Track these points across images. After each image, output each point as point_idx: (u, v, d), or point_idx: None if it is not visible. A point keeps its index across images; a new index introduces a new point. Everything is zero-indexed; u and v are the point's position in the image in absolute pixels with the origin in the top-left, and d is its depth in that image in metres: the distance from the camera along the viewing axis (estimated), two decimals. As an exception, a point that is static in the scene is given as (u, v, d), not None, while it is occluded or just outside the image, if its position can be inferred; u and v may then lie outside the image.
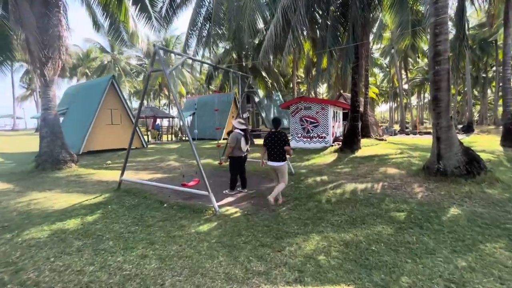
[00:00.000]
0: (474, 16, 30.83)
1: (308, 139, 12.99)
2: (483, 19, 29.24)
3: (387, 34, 29.11)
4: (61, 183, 5.97)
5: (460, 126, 26.55)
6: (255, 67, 22.12)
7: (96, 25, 10.74)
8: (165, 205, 4.61)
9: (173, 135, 21.97)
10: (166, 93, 39.83)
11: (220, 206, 4.55)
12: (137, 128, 13.69)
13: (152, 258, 2.74)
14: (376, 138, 15.63)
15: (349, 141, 10.03)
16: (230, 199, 5.12)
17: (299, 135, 13.21)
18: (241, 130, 5.43)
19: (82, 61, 40.14)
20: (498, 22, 25.49)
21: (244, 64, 22.15)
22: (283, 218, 3.95)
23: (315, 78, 23.37)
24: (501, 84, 16.11)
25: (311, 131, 12.89)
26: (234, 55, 20.11)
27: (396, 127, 34.68)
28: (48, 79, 6.74)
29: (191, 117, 21.83)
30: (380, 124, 37.95)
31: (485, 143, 13.17)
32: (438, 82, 5.17)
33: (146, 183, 5.30)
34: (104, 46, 37.80)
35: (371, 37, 30.45)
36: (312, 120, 12.83)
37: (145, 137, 19.46)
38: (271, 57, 17.73)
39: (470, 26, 28.99)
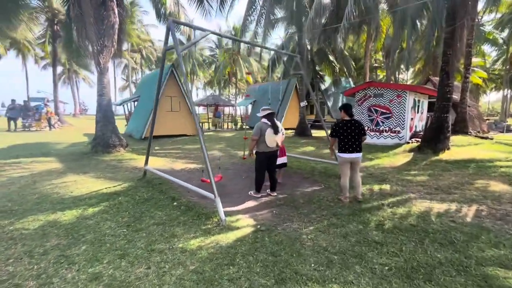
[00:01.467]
0: None
1: (377, 133, 10.75)
2: None
3: (507, -2, 21.86)
4: (100, 167, 6.26)
5: None
6: (322, 51, 20.02)
7: (159, 16, 11.14)
8: (175, 203, 4.07)
9: (232, 124, 22.26)
10: (234, 82, 40.99)
11: (233, 213, 3.72)
12: (195, 115, 14.13)
13: (101, 284, 2.13)
14: (476, 136, 11.89)
15: (432, 138, 7.62)
16: (251, 203, 4.23)
17: (366, 128, 11.06)
18: (267, 119, 4.39)
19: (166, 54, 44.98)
20: None
21: (308, 48, 20.34)
22: (302, 244, 2.83)
23: (396, 60, 19.75)
24: None
25: (381, 124, 10.61)
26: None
27: (511, 121, 26.56)
28: (102, 67, 7.18)
29: (251, 105, 21.54)
30: (486, 118, 29.84)
31: None
32: None
33: (163, 175, 4.90)
34: (182, 39, 41.31)
35: (480, 4, 23.48)
36: (384, 110, 10.50)
37: (206, 124, 20.29)
38: (339, 38, 15.56)
39: None
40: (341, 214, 3.68)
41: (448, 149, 7.64)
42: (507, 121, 26.27)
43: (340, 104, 26.55)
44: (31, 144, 10.10)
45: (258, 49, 26.34)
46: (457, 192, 4.38)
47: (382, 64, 31.37)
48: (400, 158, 7.59)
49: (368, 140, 10.92)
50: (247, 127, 21.08)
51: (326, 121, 23.57)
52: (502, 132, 18.24)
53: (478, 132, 14.98)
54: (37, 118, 15.52)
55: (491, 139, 11.25)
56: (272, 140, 4.35)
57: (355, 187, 4.32)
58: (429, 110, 15.69)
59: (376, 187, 4.91)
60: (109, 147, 7.48)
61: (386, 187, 4.92)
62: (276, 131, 4.34)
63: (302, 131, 13.47)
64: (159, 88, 4.83)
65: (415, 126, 11.09)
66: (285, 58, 10.47)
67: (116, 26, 7.31)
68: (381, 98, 10.57)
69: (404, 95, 9.94)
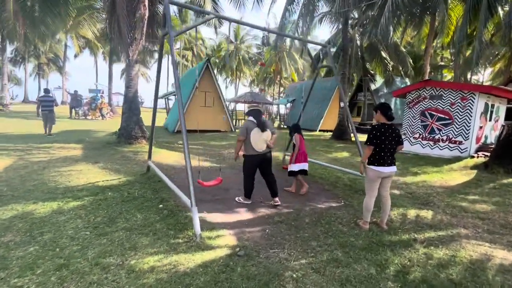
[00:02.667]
0: None
1: (431, 142, 8.98)
2: None
3: None
4: (114, 157, 6.29)
5: None
6: (374, 46, 17.99)
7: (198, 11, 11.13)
8: (161, 205, 3.68)
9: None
10: (278, 80, 40.28)
11: (217, 226, 3.16)
12: (227, 111, 13.98)
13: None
14: None
15: (506, 154, 5.86)
16: (245, 215, 3.59)
17: (417, 136, 9.37)
18: (253, 116, 3.78)
19: (214, 52, 46.58)
20: None
21: (358, 43, 18.47)
22: (281, 286, 2.11)
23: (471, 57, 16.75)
24: None
25: (437, 131, 8.81)
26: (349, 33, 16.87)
27: None
28: (131, 59, 7.30)
29: (291, 104, 20.60)
30: None
31: None
32: None
33: (158, 172, 4.57)
34: (231, 37, 42.10)
35: None
36: (442, 115, 8.68)
37: (242, 121, 20.06)
38: (391, 29, 13.62)
39: None
40: (352, 246, 2.80)
41: (530, 170, 5.79)
42: None
43: (392, 107, 23.76)
44: (77, 131, 11.09)
45: (301, 45, 25.14)
46: (537, 237, 3.05)
47: (451, 63, 27.02)
48: (456, 176, 6.04)
49: (419, 149, 9.23)
50: (283, 126, 20.24)
51: (373, 124, 21.30)
52: None
53: None
54: (93, 108, 17.26)
55: None
56: (260, 140, 3.72)
57: (383, 210, 3.36)
58: (507, 118, 12.77)
59: (412, 212, 3.80)
60: (131, 138, 7.61)
61: (427, 214, 3.77)
62: (263, 128, 3.69)
63: (339, 134, 12.16)
64: (157, 85, 4.49)
65: (485, 137, 8.96)
66: (329, 53, 9.42)
67: (146, 18, 7.34)
68: (439, 101, 8.76)
69: (471, 97, 8.02)
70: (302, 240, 2.91)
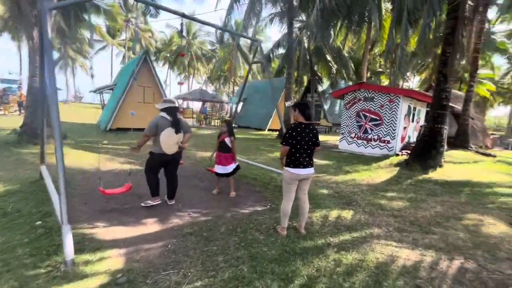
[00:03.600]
0: None
1: (364, 142, 9.55)
2: None
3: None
4: (7, 161, 5.15)
5: None
6: (319, 49, 18.78)
7: None
8: (39, 222, 2.93)
9: (219, 121, 21.15)
10: (232, 79, 39.86)
11: (104, 245, 2.58)
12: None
13: None
14: (477, 152, 10.63)
15: (422, 153, 6.41)
16: (152, 227, 3.07)
17: (353, 135, 9.88)
18: (167, 113, 3.37)
19: (165, 46, 43.93)
20: None
21: (305, 45, 19.10)
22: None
23: (398, 63, 18.49)
24: None
25: (369, 131, 9.40)
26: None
27: (518, 138, 25.11)
28: (36, 42, 6.08)
29: (242, 103, 20.36)
30: (491, 133, 28.35)
31: None
32: None
33: (46, 180, 3.77)
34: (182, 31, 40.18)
35: (491, 13, 21.94)
36: (373, 116, 9.29)
37: (190, 120, 19.15)
38: (332, 34, 14.27)
39: None
40: (263, 257, 2.52)
41: (441, 166, 6.42)
42: (512, 138, 24.88)
43: (337, 108, 25.34)
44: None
45: (254, 45, 25.07)
46: (438, 232, 3.18)
47: (387, 70, 29.98)
48: (382, 173, 6.39)
49: (354, 149, 9.73)
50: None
51: (321, 125, 22.37)
52: (507, 148, 16.96)
53: (481, 147, 13.68)
54: (5, 101, 14.48)
55: (494, 156, 10.00)
56: (171, 143, 3.32)
57: (301, 214, 3.18)
58: (427, 119, 14.41)
59: (334, 214, 3.73)
60: (37, 138, 6.38)
61: (348, 214, 3.74)
62: (177, 129, 3.28)
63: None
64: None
65: (408, 137, 9.87)
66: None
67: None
68: (371, 103, 9.36)
69: (397, 100, 8.72)
70: (207, 255, 2.53)
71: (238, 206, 3.89)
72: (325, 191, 4.81)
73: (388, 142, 8.93)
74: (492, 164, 8.18)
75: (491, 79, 32.30)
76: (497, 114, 55.32)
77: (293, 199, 3.09)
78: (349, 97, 10.00)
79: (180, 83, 46.71)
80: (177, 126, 3.42)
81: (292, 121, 3.29)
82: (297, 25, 19.25)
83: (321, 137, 15.47)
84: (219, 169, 4.22)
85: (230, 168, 4.24)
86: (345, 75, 21.07)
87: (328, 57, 18.96)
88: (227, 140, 4.18)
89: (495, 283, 2.21)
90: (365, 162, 7.68)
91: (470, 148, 10.96)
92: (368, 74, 27.72)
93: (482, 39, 10.77)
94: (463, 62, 14.31)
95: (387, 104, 8.95)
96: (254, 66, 36.68)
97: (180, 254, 2.53)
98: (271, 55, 19.95)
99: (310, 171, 3.05)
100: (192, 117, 19.53)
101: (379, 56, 29.00)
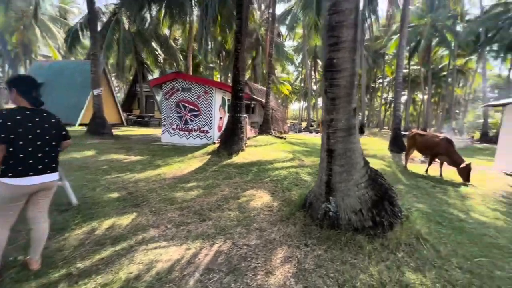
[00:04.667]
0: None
1: (186, 133, 9.48)
2: (377, 33, 32.44)
3: (299, 31, 28.52)
4: None
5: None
6: (142, 33, 17.02)
7: None
8: None
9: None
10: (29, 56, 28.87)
11: None
12: None
13: None
14: (275, 136, 13.58)
15: (228, 140, 7.03)
16: None
17: (175, 127, 9.54)
18: None
19: None
20: (388, 37, 28.37)
21: (126, 27, 16.70)
22: None
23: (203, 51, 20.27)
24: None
25: (190, 122, 9.41)
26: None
27: (304, 124, 35.57)
28: None
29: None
30: (290, 121, 38.47)
31: (375, 146, 12.81)
32: (338, 30, 2.39)
33: None
34: None
35: (283, 29, 29.19)
36: (192, 107, 9.36)
37: None
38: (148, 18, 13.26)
39: (366, 38, 31.67)
40: None
41: (243, 150, 7.33)
42: (301, 124, 34.92)
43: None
44: None
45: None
46: (215, 217, 3.25)
47: (215, 64, 32.45)
48: (195, 162, 6.39)
49: (177, 140, 9.46)
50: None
51: (155, 117, 20.86)
52: (297, 132, 23.23)
53: (280, 132, 17.81)
54: None
55: (284, 138, 13.11)
56: None
57: (33, 242, 2.17)
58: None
59: (106, 224, 2.98)
60: None
61: (127, 220, 3.12)
62: None
63: (96, 128, 10.04)
64: None
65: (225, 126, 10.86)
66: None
67: None
68: (189, 93, 9.35)
69: (211, 91, 9.19)
70: None
71: None
72: (114, 195, 3.96)
73: (207, 131, 9.34)
74: (281, 144, 10.56)
75: (289, 82, 43.75)
76: (295, 107, 76.28)
77: (13, 221, 2.05)
78: (168, 87, 9.51)
79: None
80: None
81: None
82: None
83: (153, 130, 14.34)
84: None
85: None
86: (175, 65, 20.63)
87: (154, 44, 17.67)
88: None
89: (239, 258, 2.33)
90: (182, 153, 7.50)
91: (271, 133, 13.81)
92: (201, 69, 28.93)
93: (273, 47, 13.63)
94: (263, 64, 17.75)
95: (203, 95, 9.25)
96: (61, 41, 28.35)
97: None
98: (79, 30, 15.85)
99: (48, 178, 2.11)
100: None
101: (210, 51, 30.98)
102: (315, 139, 15.80)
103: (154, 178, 5.02)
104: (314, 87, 41.00)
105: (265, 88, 20.55)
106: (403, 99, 37.87)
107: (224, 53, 28.70)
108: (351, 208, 2.57)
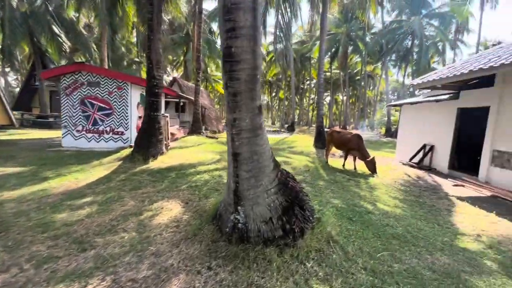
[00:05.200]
0: (298, 35, 36.52)
1: (96, 135, 8.02)
2: (303, 37, 34.98)
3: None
4: None
5: (286, 125, 30.09)
6: (39, 15, 13.93)
7: None
8: None
9: None
10: None
11: None
12: None
13: None
14: (207, 136, 12.97)
15: (143, 143, 6.13)
16: None
17: (80, 128, 7.97)
18: None
19: None
20: (312, 42, 30.84)
21: (13, 4, 13.37)
22: None
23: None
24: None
25: (100, 122, 8.00)
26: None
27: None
28: None
29: None
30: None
31: (303, 143, 13.53)
32: (235, 13, 2.04)
33: None
34: None
35: (215, 25, 28.47)
36: (102, 105, 7.96)
37: None
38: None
39: (294, 41, 33.85)
40: None
41: (163, 153, 6.54)
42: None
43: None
44: None
45: None
46: (100, 243, 2.55)
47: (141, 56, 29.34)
48: (99, 171, 5.32)
49: (83, 144, 7.92)
50: None
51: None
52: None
53: (214, 132, 17.23)
54: None
55: (216, 138, 12.62)
56: None
57: None
58: (177, 110, 15.53)
59: None
60: None
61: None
62: None
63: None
64: None
65: (147, 126, 9.70)
66: None
67: None
68: (98, 89, 7.93)
69: (125, 87, 7.99)
70: None
71: None
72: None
73: (122, 133, 8.10)
74: (211, 145, 10.03)
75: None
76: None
77: None
78: (68, 80, 7.86)
79: None
80: None
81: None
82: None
83: (57, 133, 11.62)
84: None
85: None
86: (88, 56, 17.69)
87: (56, 29, 14.67)
88: None
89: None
90: (86, 160, 6.24)
91: (202, 133, 13.12)
92: (125, 63, 25.82)
93: (201, 42, 12.92)
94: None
95: (116, 91, 7.97)
96: None
97: None
98: None
99: None
100: None
101: (133, 45, 27.90)
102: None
103: (33, 196, 3.88)
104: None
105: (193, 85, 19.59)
106: (328, 99, 42.13)
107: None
108: (261, 218, 2.30)
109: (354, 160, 6.96)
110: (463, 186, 5.78)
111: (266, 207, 2.32)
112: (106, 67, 13.23)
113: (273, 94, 52.32)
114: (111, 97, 7.95)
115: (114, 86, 7.92)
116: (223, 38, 2.14)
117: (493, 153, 5.81)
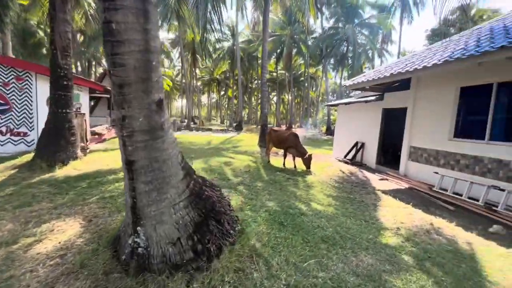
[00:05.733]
0: (245, 34, 36.50)
1: (-14, 137, 6.36)
2: (250, 37, 35.13)
3: (176, 22, 26.63)
4: None
5: (234, 124, 29.79)
6: None
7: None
8: None
9: None
10: None
11: None
12: None
13: None
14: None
15: (48, 146, 5.01)
16: None
17: (-38, 128, 6.21)
18: None
19: None
20: (259, 41, 31.18)
21: None
22: None
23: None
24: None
25: (-8, 121, 6.37)
26: None
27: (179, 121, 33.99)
28: None
29: None
30: (173, 119, 35.81)
31: (249, 142, 13.40)
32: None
33: None
34: None
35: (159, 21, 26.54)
36: (-5, 99, 6.35)
37: None
38: None
39: (241, 40, 33.74)
40: None
41: (76, 158, 5.47)
42: (184, 121, 33.15)
43: None
44: None
45: None
46: None
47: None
48: (-22, 184, 4.09)
49: (-35, 149, 6.20)
50: None
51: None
52: (175, 131, 21.63)
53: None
54: None
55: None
56: None
57: None
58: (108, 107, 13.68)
59: None
60: None
61: None
62: None
63: None
64: None
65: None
66: None
67: None
68: (-13, 78, 6.29)
69: (28, 78, 6.52)
70: None
71: None
72: None
73: (25, 134, 6.62)
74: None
75: (170, 77, 40.66)
76: (179, 104, 72.19)
77: None
78: None
79: None
80: None
81: None
82: None
83: None
84: None
85: None
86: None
87: None
88: None
89: None
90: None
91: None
92: (45, 51, 21.88)
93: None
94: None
95: (14, 83, 6.45)
96: None
97: None
98: None
99: None
100: None
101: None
102: (193, 137, 15.01)
103: None
104: (199, 83, 40.01)
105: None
106: (275, 99, 43.38)
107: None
108: (167, 239, 1.87)
109: (294, 158, 6.99)
110: (387, 179, 6.28)
111: (173, 225, 1.89)
112: (11, 54, 10.80)
113: (222, 92, 51.55)
114: (8, 90, 6.39)
115: (12, 77, 6.39)
116: (101, 9, 1.63)
117: (410, 149, 6.47)
